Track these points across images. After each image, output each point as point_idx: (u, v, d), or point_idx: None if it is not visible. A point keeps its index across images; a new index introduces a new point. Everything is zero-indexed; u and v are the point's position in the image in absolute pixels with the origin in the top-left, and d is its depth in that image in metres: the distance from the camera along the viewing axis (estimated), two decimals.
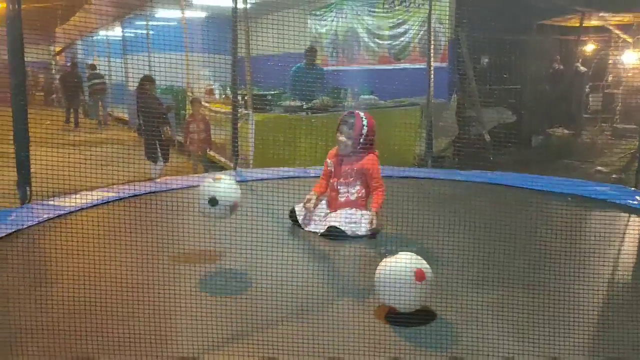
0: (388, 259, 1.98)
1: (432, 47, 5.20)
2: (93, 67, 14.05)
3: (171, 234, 2.65)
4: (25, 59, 3.67)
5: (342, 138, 3.20)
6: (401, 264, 1.92)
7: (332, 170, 3.29)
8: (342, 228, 3.01)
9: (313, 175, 4.30)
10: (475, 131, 7.28)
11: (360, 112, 3.25)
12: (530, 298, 2.17)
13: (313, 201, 3.20)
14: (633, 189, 4.10)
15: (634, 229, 3.42)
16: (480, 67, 8.95)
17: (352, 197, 3.19)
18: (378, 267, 2.01)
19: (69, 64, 14.88)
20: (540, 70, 9.51)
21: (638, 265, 2.83)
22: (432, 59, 5.11)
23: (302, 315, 2.09)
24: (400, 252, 2.01)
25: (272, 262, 2.27)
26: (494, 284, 2.14)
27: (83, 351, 1.86)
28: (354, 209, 3.13)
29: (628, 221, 3.47)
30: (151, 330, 1.94)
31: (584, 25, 9.78)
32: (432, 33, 5.72)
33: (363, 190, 3.20)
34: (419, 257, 2.00)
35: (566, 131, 9.21)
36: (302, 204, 3.23)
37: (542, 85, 9.33)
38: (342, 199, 3.20)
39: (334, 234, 2.99)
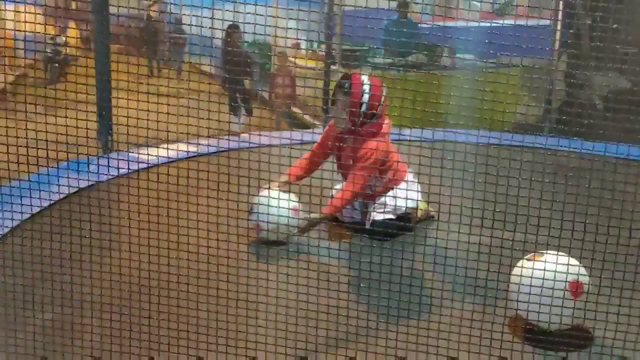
0: (530, 262, 1.55)
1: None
2: (178, 21, 14.29)
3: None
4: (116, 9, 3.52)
5: (337, 108, 2.55)
6: (551, 271, 1.49)
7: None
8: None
9: (408, 137, 3.91)
10: (586, 97, 6.55)
11: (362, 74, 2.56)
12: None
13: (276, 186, 2.56)
14: None
15: None
16: (594, 24, 8.05)
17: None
18: (517, 269, 1.59)
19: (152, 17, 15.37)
20: None
21: None
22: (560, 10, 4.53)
23: (418, 315, 1.73)
24: (547, 253, 1.58)
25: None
26: None
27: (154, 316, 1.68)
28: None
29: None
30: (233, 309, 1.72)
31: None
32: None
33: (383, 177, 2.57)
34: (572, 259, 1.55)
35: None
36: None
37: None
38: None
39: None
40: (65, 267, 1.96)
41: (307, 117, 6.79)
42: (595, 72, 6.87)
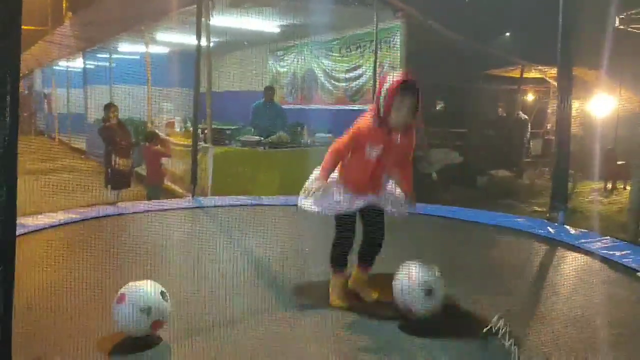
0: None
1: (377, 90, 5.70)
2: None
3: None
4: None
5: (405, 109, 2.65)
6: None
7: None
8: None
9: (266, 203, 4.63)
10: (422, 170, 7.71)
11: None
12: None
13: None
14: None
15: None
16: (432, 111, 9.54)
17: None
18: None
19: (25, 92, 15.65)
20: (485, 116, 10.18)
21: None
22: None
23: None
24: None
25: None
26: None
27: None
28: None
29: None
30: None
31: (524, 76, 10.58)
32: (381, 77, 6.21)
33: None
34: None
35: (508, 173, 9.80)
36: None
37: (487, 130, 9.97)
38: None
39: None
40: None
41: (178, 189, 7.18)
42: (431, 149, 8.13)
